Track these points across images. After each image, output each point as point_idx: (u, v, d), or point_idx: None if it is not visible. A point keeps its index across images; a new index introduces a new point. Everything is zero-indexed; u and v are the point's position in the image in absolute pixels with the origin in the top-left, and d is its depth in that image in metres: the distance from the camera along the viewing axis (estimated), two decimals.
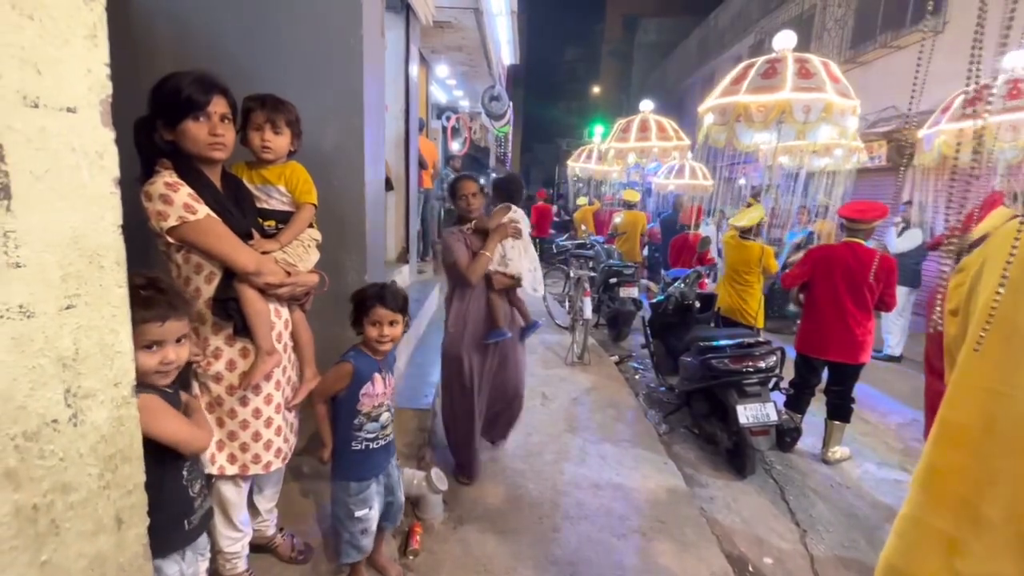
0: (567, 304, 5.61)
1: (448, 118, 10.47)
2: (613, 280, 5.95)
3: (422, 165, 5.62)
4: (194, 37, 2.13)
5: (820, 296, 3.29)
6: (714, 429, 3.32)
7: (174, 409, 1.19)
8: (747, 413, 2.96)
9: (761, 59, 4.09)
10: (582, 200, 11.53)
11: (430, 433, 2.98)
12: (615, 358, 5.32)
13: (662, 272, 5.86)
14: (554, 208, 13.50)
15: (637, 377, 4.99)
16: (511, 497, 2.68)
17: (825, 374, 3.48)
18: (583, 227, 10.00)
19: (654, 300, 4.48)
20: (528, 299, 3.02)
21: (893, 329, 5.79)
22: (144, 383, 1.07)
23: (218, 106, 1.37)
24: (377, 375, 1.80)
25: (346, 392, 1.74)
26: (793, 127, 3.97)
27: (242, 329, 1.45)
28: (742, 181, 11.12)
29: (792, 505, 2.96)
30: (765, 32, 12.68)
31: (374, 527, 1.91)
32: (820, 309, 3.29)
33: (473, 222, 2.59)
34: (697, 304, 4.27)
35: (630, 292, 5.81)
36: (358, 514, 1.83)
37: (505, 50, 9.07)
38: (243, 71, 2.10)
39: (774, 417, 2.95)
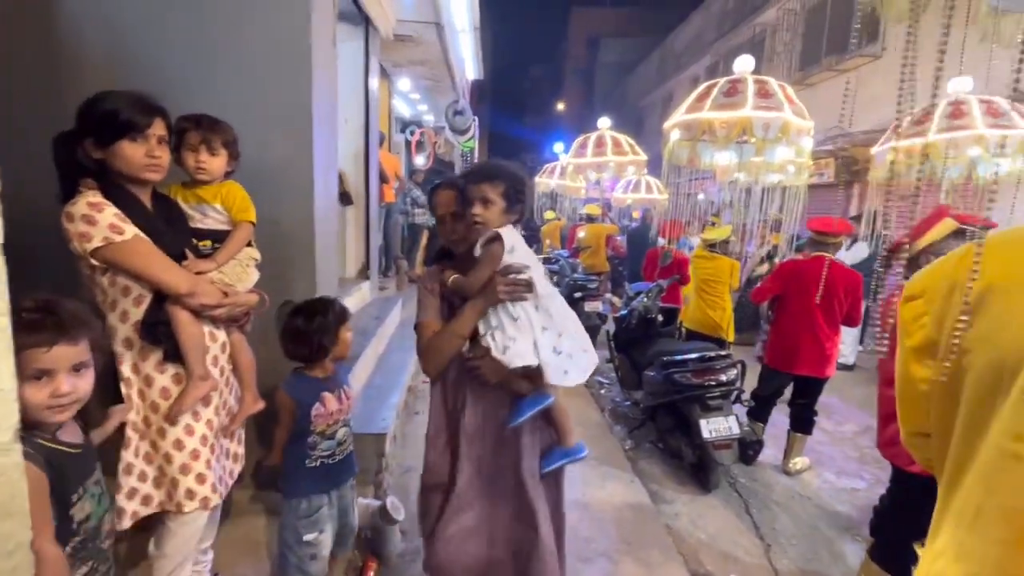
0: None
1: (412, 132, 10.39)
2: (577, 295, 5.95)
3: (383, 179, 5.52)
4: (128, 44, 1.99)
5: (792, 310, 3.35)
6: (678, 444, 3.31)
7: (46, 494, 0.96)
8: (710, 427, 2.96)
9: (723, 79, 4.24)
10: (549, 215, 11.64)
11: (388, 459, 2.84)
12: None
13: (626, 286, 5.91)
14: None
15: (603, 392, 4.97)
16: None
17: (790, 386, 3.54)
18: (548, 241, 10.09)
19: (618, 314, 4.48)
20: None
21: (845, 339, 5.99)
22: (34, 421, 0.94)
23: (157, 128, 1.31)
24: (327, 394, 1.70)
25: (298, 415, 1.65)
26: (752, 145, 4.14)
27: (173, 354, 1.33)
28: (701, 196, 11.46)
29: (756, 519, 2.96)
30: (719, 54, 13.21)
31: (325, 553, 1.80)
32: (791, 323, 3.34)
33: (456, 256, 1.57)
34: (660, 318, 4.30)
35: (594, 306, 5.82)
36: (307, 537, 1.72)
37: (469, 65, 9.10)
38: (184, 81, 1.98)
39: (736, 430, 2.96)
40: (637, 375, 4.14)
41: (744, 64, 4.25)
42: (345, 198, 4.75)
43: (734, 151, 4.82)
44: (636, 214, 10.07)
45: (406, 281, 7.22)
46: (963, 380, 0.65)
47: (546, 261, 6.66)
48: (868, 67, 8.23)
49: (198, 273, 1.36)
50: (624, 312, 4.38)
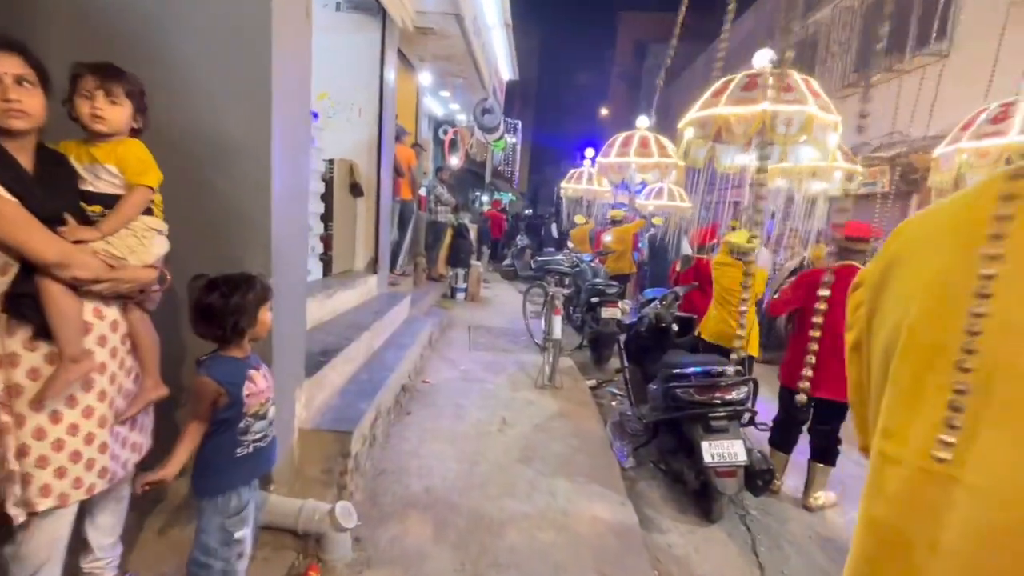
0: (543, 321, 5.32)
1: (446, 131, 10.37)
2: (596, 300, 5.66)
3: (398, 173, 5.42)
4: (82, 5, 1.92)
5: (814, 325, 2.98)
6: (680, 466, 2.99)
7: None
8: (712, 451, 2.63)
9: (741, 73, 3.91)
10: (580, 219, 11.43)
11: (357, 459, 2.68)
12: (592, 382, 5.00)
13: (637, 292, 5.59)
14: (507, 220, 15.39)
15: (613, 404, 4.66)
16: (436, 537, 2.36)
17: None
18: (576, 246, 9.87)
19: (627, 321, 4.18)
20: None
21: None
22: None
23: (6, 66, 1.16)
24: (253, 371, 1.57)
25: (228, 400, 1.50)
26: (776, 142, 3.78)
27: (42, 331, 1.19)
28: (744, 204, 10.96)
29: (762, 559, 2.61)
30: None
31: (249, 550, 1.65)
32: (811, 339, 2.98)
33: None
34: (675, 327, 3.97)
35: (612, 312, 5.51)
36: (237, 535, 1.58)
37: (502, 63, 8.98)
38: (143, 48, 1.88)
39: (743, 457, 2.63)
40: (646, 387, 3.83)
41: (762, 58, 3.88)
42: (356, 189, 4.67)
43: (753, 152, 4.44)
44: (658, 220, 9.82)
45: (424, 279, 7.13)
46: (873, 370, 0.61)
47: (556, 263, 6.40)
48: (932, 67, 7.53)
49: (77, 242, 1.22)
50: (634, 318, 4.07)
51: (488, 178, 11.32)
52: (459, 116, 9.90)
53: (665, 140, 7.30)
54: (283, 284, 2.11)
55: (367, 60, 4.64)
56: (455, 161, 11.26)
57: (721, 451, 2.62)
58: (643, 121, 7.54)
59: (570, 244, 8.76)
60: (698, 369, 2.77)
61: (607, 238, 7.21)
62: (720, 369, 2.75)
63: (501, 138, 9.59)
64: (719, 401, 2.68)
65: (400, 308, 4.80)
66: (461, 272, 7.97)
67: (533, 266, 6.70)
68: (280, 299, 2.00)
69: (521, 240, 12.22)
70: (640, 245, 9.06)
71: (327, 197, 4.15)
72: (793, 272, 5.63)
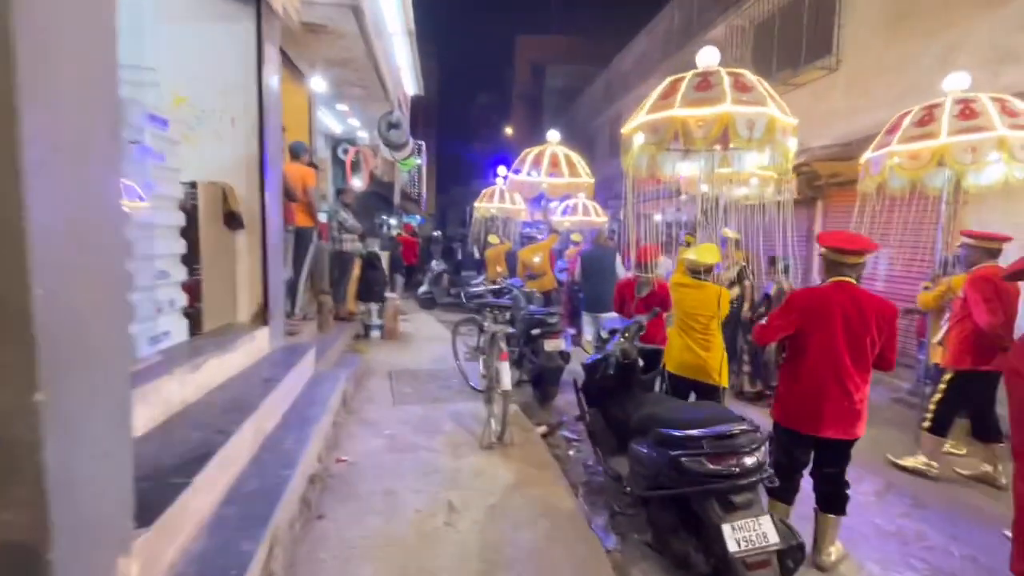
0: (481, 362, 4.57)
1: (345, 151, 9.33)
2: (536, 331, 5.02)
3: (288, 196, 4.42)
4: None
5: (813, 353, 2.54)
6: (684, 548, 2.36)
7: None
8: (738, 535, 2.04)
9: (690, 72, 3.54)
10: (493, 239, 10.93)
11: None
12: (543, 429, 4.31)
13: (600, 327, 5.05)
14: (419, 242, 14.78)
15: (571, 454, 4.00)
16: None
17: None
18: (498, 268, 9.34)
19: (588, 361, 3.56)
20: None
21: None
22: None
23: None
24: None
25: None
26: (738, 146, 3.45)
27: None
28: (658, 217, 11.05)
29: None
30: (667, 73, 13.03)
31: None
32: (811, 370, 2.54)
33: None
34: (641, 362, 3.41)
35: (556, 344, 4.90)
36: None
37: (406, 75, 8.22)
38: None
39: (775, 538, 2.06)
40: (616, 438, 3.21)
41: (708, 56, 3.56)
42: (233, 220, 3.64)
43: (696, 160, 4.15)
44: (577, 236, 9.65)
45: (331, 321, 6.06)
46: None
47: (496, 293, 5.72)
48: (824, 80, 7.97)
49: None
50: (596, 357, 3.46)
51: (396, 200, 10.33)
52: (360, 134, 8.93)
53: (575, 156, 7.32)
54: (69, 401, 1.18)
55: (240, 58, 3.67)
56: (359, 183, 10.22)
57: (748, 535, 2.03)
58: (554, 135, 7.42)
59: (497, 268, 8.12)
60: (709, 431, 2.18)
61: (536, 259, 6.69)
62: (736, 429, 2.18)
63: (410, 156, 8.75)
64: (738, 470, 2.10)
65: (302, 366, 3.80)
66: (375, 307, 6.99)
67: (465, 298, 5.93)
68: (66, 426, 1.10)
69: (437, 265, 11.36)
70: (560, 263, 8.78)
71: (190, 231, 3.11)
72: (735, 281, 5.41)
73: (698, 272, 3.49)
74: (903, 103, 4.40)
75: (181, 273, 3.01)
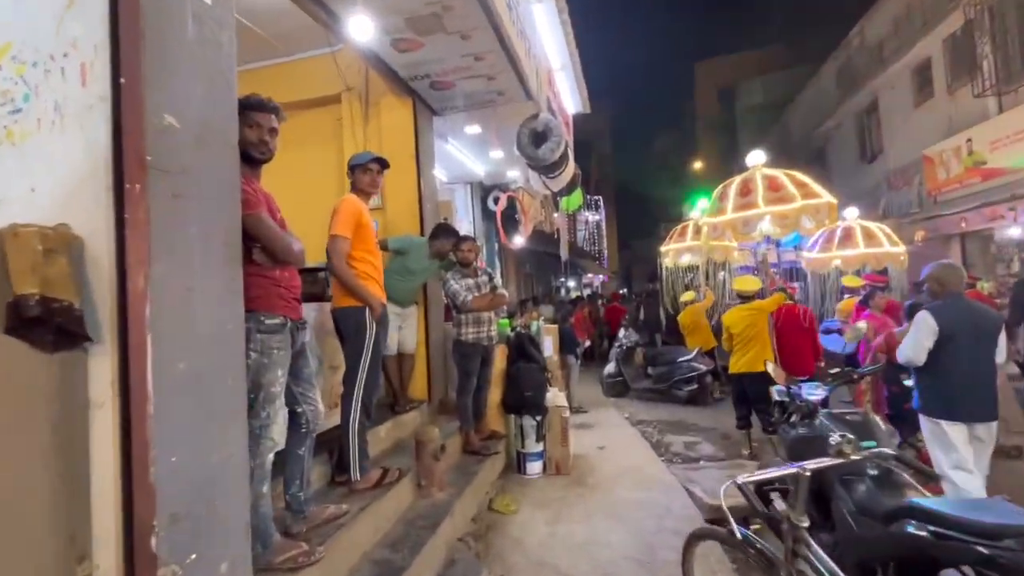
0: None
1: (496, 199, 7.34)
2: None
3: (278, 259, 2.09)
4: None
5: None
6: None
7: None
8: None
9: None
10: (688, 296, 7.77)
11: None
12: None
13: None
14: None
15: None
16: None
17: None
18: (694, 339, 6.48)
19: None
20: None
21: None
22: None
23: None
24: None
25: None
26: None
27: None
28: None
29: None
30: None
31: None
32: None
33: None
34: None
35: None
36: None
37: (562, 81, 5.88)
38: None
39: None
40: None
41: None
42: (40, 324, 1.38)
43: None
44: (858, 282, 6.05)
45: (462, 449, 3.56)
46: None
47: (784, 410, 2.56)
48: None
49: None
50: None
51: (564, 255, 7.74)
52: (510, 173, 6.78)
53: (802, 176, 5.29)
54: None
55: None
56: (519, 240, 8.07)
57: None
58: (758, 156, 5.65)
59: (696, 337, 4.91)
60: None
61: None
62: None
63: (574, 188, 6.16)
64: None
65: None
66: (531, 424, 4.34)
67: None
68: None
69: (627, 337, 8.33)
70: (828, 323, 5.60)
71: None
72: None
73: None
74: None
75: None
